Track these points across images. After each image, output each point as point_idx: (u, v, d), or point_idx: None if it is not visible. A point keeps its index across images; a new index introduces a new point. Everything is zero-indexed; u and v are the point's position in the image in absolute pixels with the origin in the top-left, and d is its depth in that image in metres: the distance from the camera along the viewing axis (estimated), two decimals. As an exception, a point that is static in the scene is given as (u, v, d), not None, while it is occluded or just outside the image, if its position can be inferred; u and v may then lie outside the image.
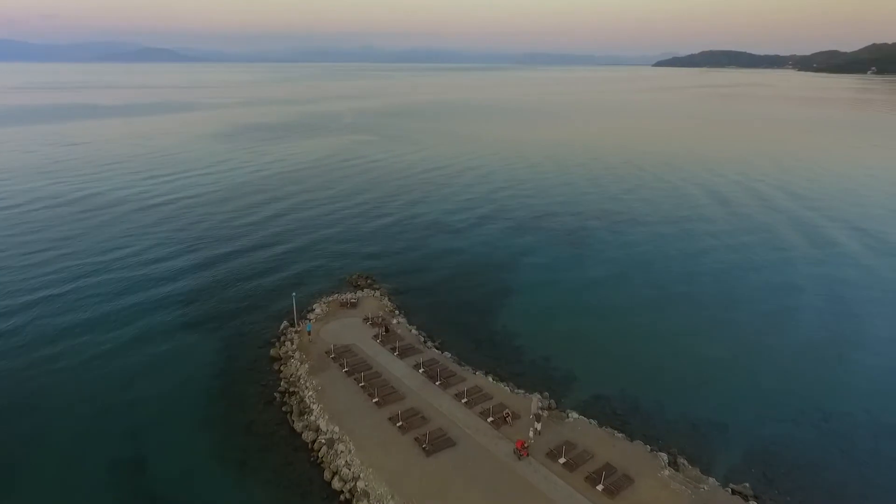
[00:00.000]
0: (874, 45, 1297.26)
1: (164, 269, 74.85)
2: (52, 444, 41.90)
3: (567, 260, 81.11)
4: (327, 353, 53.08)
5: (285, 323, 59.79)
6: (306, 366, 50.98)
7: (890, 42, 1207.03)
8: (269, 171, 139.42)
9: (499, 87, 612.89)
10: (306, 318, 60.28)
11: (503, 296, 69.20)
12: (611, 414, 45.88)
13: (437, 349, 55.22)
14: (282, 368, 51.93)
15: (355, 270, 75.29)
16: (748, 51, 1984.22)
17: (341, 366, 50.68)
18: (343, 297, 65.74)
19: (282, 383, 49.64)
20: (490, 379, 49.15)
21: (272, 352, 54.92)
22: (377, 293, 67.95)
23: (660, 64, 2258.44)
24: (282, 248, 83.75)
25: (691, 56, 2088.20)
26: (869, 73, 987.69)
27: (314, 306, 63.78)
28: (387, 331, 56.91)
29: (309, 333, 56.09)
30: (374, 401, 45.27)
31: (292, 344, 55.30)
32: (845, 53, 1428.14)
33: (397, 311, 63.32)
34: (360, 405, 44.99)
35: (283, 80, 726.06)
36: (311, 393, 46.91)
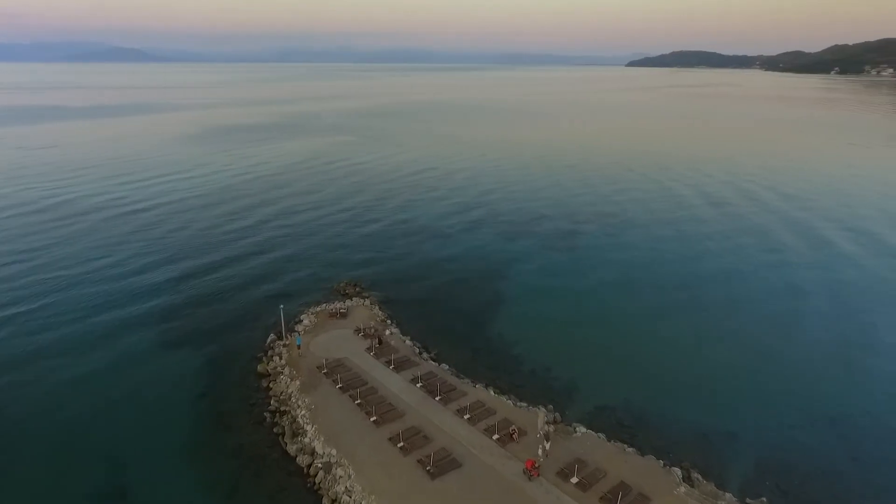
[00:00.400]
0: (836, 46, 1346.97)
1: (142, 281, 71.15)
2: (24, 477, 38.66)
3: (562, 264, 79.70)
4: (319, 368, 50.59)
5: (272, 336, 57.04)
6: (297, 382, 48.44)
7: (850, 43, 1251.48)
8: (250, 175, 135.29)
9: (481, 88, 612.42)
10: (295, 331, 57.65)
11: (498, 303, 67.44)
12: (617, 426, 44.44)
13: (434, 361, 53.11)
14: (271, 385, 49.26)
15: (343, 278, 72.71)
16: (717, 51, 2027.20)
17: (334, 381, 48.25)
18: (332, 306, 63.21)
19: (272, 402, 47.00)
20: (491, 392, 47.29)
21: (259, 367, 52.14)
22: (367, 302, 65.60)
23: (632, 64, 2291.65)
24: (266, 257, 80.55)
25: (662, 56, 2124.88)
26: (832, 72, 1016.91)
27: (302, 317, 61.14)
28: (380, 342, 54.62)
29: (299, 347, 53.48)
30: (371, 419, 43.01)
31: (281, 359, 52.62)
32: (809, 54, 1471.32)
33: (389, 321, 61.06)
34: (357, 424, 42.69)
35: (260, 81, 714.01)
36: (303, 412, 44.44)
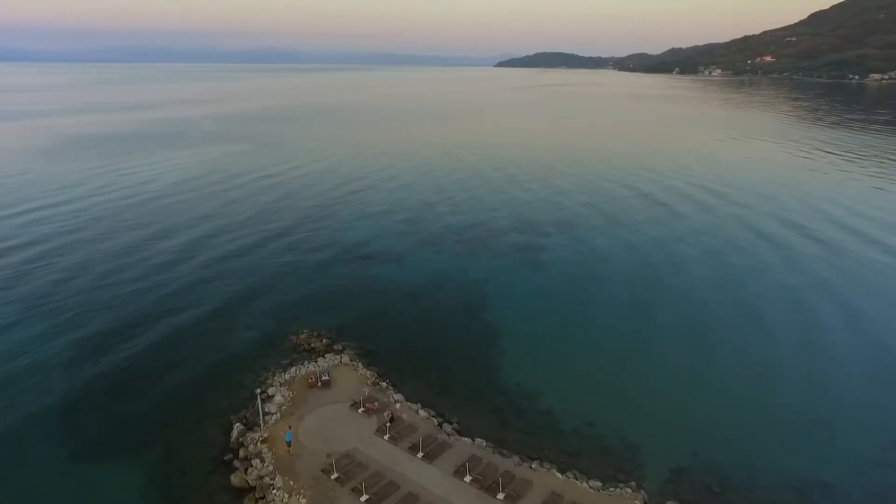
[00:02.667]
0: (673, 49, 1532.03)
1: (24, 364, 51.70)
2: None
3: (550, 284, 71.56)
4: (325, 471, 37.97)
5: (238, 427, 42.98)
6: (302, 499, 35.66)
7: (684, 47, 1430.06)
8: (142, 198, 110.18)
9: (361, 89, 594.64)
10: (268, 414, 43.98)
11: (494, 341, 58.21)
12: (708, 494, 37.76)
13: (463, 435, 42.89)
14: (261, 506, 35.94)
15: (300, 328, 59.14)
16: (576, 53, 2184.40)
17: (356, 491, 36.12)
18: (308, 371, 49.89)
19: (271, 534, 33.96)
20: (556, 474, 38.28)
21: (234, 479, 38.21)
22: (345, 358, 53.08)
23: (501, 65, 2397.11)
24: (191, 311, 62.72)
25: (528, 57, 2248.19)
26: (674, 72, 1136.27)
27: (269, 390, 47.36)
28: (392, 419, 43.13)
29: (289, 445, 40.17)
30: (430, 546, 32.02)
31: (263, 462, 39.16)
32: (653, 56, 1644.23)
33: (385, 384, 49.44)
34: (413, 558, 31.45)
35: (116, 83, 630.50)
36: (328, 548, 32.17)
